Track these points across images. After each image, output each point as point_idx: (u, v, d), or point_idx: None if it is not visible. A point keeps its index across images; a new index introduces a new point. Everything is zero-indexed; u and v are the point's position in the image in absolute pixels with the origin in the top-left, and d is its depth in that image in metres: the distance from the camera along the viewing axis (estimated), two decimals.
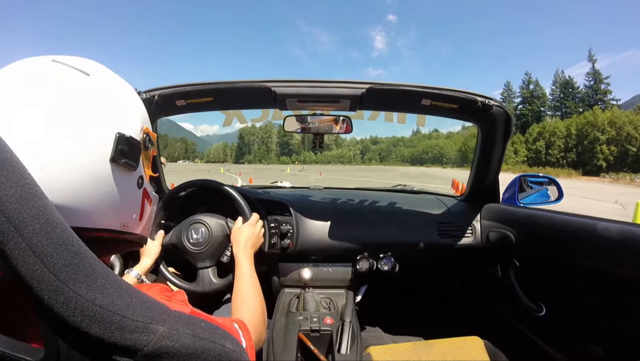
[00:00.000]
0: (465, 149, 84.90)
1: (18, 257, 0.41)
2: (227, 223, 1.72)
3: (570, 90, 69.25)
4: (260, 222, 1.69)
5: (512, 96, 77.05)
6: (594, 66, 63.18)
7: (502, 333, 1.85)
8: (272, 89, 1.64)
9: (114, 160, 0.63)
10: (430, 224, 2.07)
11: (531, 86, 74.28)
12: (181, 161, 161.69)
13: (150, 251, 1.62)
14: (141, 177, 0.74)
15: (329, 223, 2.03)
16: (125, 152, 0.65)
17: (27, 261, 0.42)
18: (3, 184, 0.42)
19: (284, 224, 1.93)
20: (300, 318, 1.66)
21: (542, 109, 72.79)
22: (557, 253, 1.58)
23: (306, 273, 1.93)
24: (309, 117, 1.87)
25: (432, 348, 1.67)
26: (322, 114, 1.87)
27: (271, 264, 2.06)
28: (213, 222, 1.70)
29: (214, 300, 1.77)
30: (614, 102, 61.64)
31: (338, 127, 1.87)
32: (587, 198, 18.37)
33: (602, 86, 62.89)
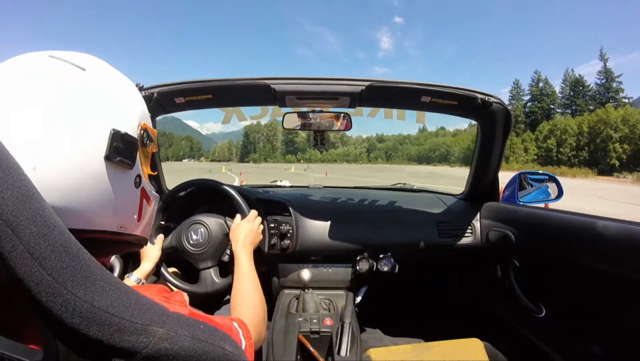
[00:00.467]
0: (474, 147, 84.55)
1: (16, 260, 0.41)
2: (225, 222, 1.71)
3: (581, 88, 68.58)
4: (259, 218, 1.67)
5: (521, 93, 76.65)
6: (605, 65, 62.69)
7: (502, 335, 1.84)
8: (272, 86, 1.63)
9: (108, 158, 0.61)
10: (430, 223, 2.06)
11: (540, 84, 73.69)
12: (186, 160, 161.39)
13: (151, 255, 1.61)
14: (139, 176, 0.71)
15: (328, 223, 2.02)
16: (121, 149, 0.63)
17: (25, 263, 0.42)
18: (0, 186, 0.41)
19: (284, 225, 1.92)
20: (300, 319, 1.65)
21: (551, 106, 72.31)
22: (556, 252, 1.57)
23: (306, 273, 1.91)
24: (309, 114, 1.86)
25: (431, 349, 1.67)
26: (321, 111, 1.86)
27: (271, 265, 2.05)
28: (212, 221, 1.69)
29: (215, 301, 1.76)
30: (626, 100, 61.04)
31: (339, 124, 1.86)
32: (626, 202, 16.57)
33: (614, 84, 62.13)
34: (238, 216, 1.65)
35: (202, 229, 1.67)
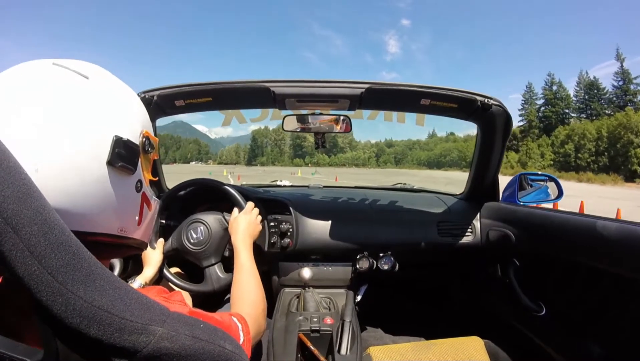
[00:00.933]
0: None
1: (16, 258, 0.41)
2: (224, 217, 1.72)
3: (596, 91, 65.96)
4: (256, 210, 1.67)
5: (534, 97, 74.62)
6: (622, 65, 59.99)
7: (502, 333, 1.84)
8: (271, 89, 1.64)
9: (110, 163, 0.62)
10: (430, 223, 2.06)
11: (554, 87, 71.51)
12: (194, 162, 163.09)
13: (153, 259, 1.62)
14: (140, 181, 0.73)
15: (328, 222, 2.03)
16: (123, 155, 0.65)
17: (25, 262, 0.42)
18: (0, 184, 0.41)
19: (284, 223, 1.93)
20: (301, 318, 1.66)
21: (566, 110, 70.03)
22: (556, 251, 1.57)
23: (306, 272, 1.92)
24: (309, 117, 1.87)
25: (432, 348, 1.66)
26: (321, 114, 1.86)
27: (271, 264, 2.06)
28: (211, 218, 1.71)
29: (217, 299, 1.78)
30: None
31: (338, 127, 1.87)
32: None
33: (632, 86, 59.20)
34: (235, 209, 1.65)
35: (201, 228, 1.68)
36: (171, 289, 1.55)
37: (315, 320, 1.63)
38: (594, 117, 63.00)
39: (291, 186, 3.19)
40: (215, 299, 1.76)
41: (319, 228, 2.02)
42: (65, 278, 0.44)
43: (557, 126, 66.63)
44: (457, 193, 2.43)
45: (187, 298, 1.73)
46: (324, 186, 2.82)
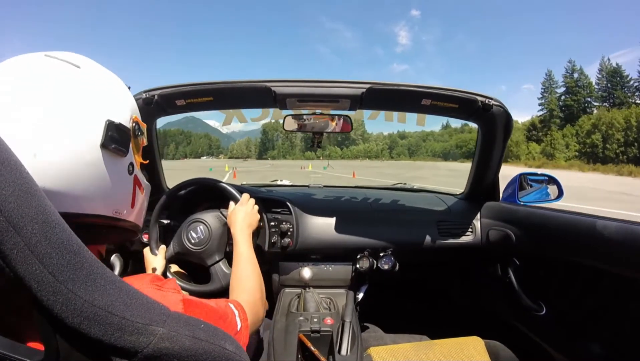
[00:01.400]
0: (509, 142, 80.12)
1: (17, 257, 0.41)
2: (221, 213, 1.73)
3: (618, 79, 63.32)
4: (252, 200, 1.68)
5: (553, 85, 72.00)
6: None
7: (502, 333, 1.83)
8: (272, 88, 1.64)
9: (104, 146, 0.65)
10: (430, 222, 2.06)
11: (575, 75, 68.66)
12: (205, 157, 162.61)
13: (156, 265, 1.62)
14: (131, 163, 0.76)
15: (329, 221, 2.04)
16: (115, 138, 0.68)
17: (26, 261, 0.42)
18: (2, 183, 0.41)
19: (284, 223, 1.93)
20: (301, 318, 1.66)
21: (587, 99, 67.16)
22: (557, 251, 1.58)
23: (306, 272, 1.93)
24: (310, 116, 1.87)
25: (432, 348, 1.66)
26: (322, 114, 1.86)
27: (271, 264, 2.07)
28: (209, 216, 1.72)
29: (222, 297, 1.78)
30: None
31: (339, 127, 1.87)
32: None
33: None
34: (231, 203, 1.66)
35: (201, 227, 1.69)
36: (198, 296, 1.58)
37: (315, 320, 1.63)
38: (618, 106, 60.75)
39: (291, 185, 3.20)
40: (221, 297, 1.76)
41: (320, 228, 2.02)
42: (66, 278, 0.44)
43: (579, 116, 64.19)
44: (457, 193, 2.43)
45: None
46: (324, 186, 2.84)
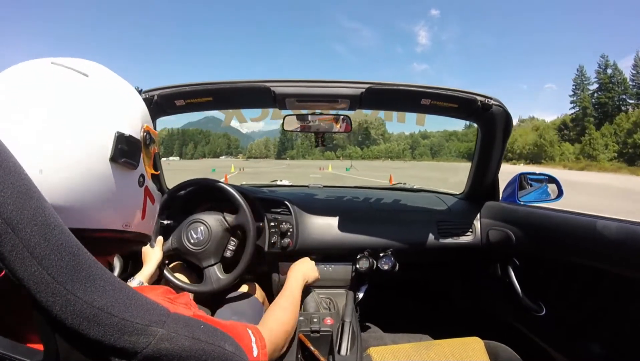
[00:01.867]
0: (541, 142, 72.37)
1: (15, 259, 0.41)
2: (224, 217, 1.72)
3: None
4: (312, 262, 1.79)
5: (585, 82, 68.51)
6: None
7: (502, 333, 1.83)
8: (272, 89, 1.65)
9: (113, 159, 0.63)
10: (430, 222, 2.07)
11: (609, 70, 64.82)
12: (223, 157, 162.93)
13: (152, 258, 1.62)
14: (142, 175, 0.73)
15: (328, 221, 2.04)
16: (125, 151, 0.65)
17: (25, 263, 0.42)
18: (0, 185, 0.41)
19: (284, 223, 1.94)
20: (301, 318, 1.65)
21: (622, 96, 63.45)
22: (557, 251, 1.58)
23: None
24: (309, 116, 1.88)
25: (432, 348, 1.66)
26: (321, 114, 1.87)
27: (271, 264, 2.07)
28: (211, 218, 1.71)
29: (217, 299, 1.78)
30: None
31: (338, 126, 1.88)
32: None
33: None
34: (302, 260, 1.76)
35: (201, 228, 1.68)
36: (178, 291, 1.59)
37: (315, 320, 1.63)
38: None
39: (291, 185, 3.20)
40: (215, 298, 1.77)
41: (319, 228, 2.03)
42: (65, 279, 0.44)
43: (614, 114, 60.90)
44: (457, 193, 2.43)
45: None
46: (324, 186, 2.84)
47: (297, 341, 1.50)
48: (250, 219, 1.69)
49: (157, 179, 2.12)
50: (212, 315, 1.63)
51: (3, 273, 0.49)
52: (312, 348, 1.48)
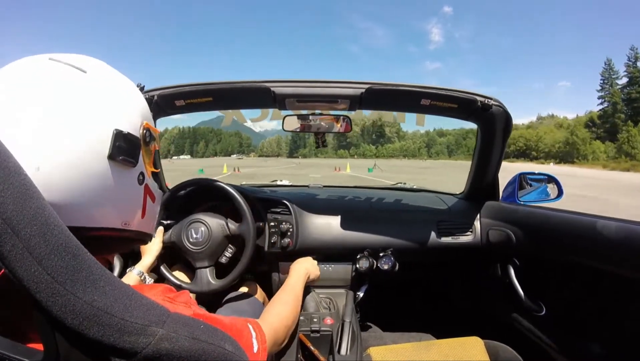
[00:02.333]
0: (573, 140, 67.90)
1: (15, 259, 0.41)
2: (227, 224, 1.73)
3: None
4: (315, 261, 1.82)
5: (614, 76, 66.28)
6: None
7: (502, 333, 1.83)
8: (272, 89, 1.65)
9: (112, 157, 0.62)
10: (430, 222, 2.07)
11: (639, 64, 62.06)
12: (235, 155, 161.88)
13: (152, 248, 1.64)
14: (142, 173, 0.73)
15: (328, 221, 2.05)
16: (124, 149, 0.64)
17: (25, 263, 0.42)
18: (0, 185, 0.41)
19: (284, 223, 1.94)
20: (301, 318, 1.65)
21: None
22: (557, 251, 1.58)
23: None
24: (309, 116, 1.88)
25: (432, 348, 1.66)
26: (321, 114, 1.87)
27: (271, 264, 2.08)
28: (213, 222, 1.71)
29: (216, 299, 1.80)
30: None
31: (338, 126, 1.88)
32: None
33: None
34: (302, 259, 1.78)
35: (202, 228, 1.69)
36: (178, 289, 1.60)
37: (315, 320, 1.63)
38: None
39: (291, 185, 3.21)
40: (215, 297, 1.79)
41: (319, 228, 2.03)
42: (65, 279, 0.44)
43: None
44: (457, 193, 2.43)
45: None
46: (324, 186, 2.85)
47: (297, 341, 1.50)
48: (252, 231, 1.69)
49: (157, 179, 2.13)
50: (212, 313, 1.64)
51: (2, 271, 0.48)
52: (312, 347, 1.49)
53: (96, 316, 0.46)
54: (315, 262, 1.77)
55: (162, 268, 1.70)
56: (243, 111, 2.02)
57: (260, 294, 1.95)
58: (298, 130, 1.90)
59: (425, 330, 2.19)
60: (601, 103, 68.66)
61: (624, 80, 64.90)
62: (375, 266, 1.93)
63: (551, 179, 1.99)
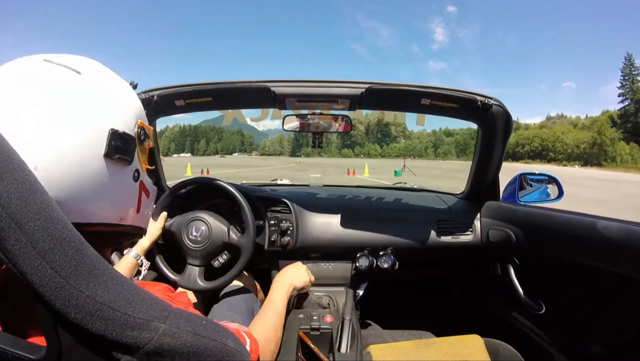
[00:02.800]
0: (602, 140, 65.46)
1: (19, 253, 0.42)
2: (229, 231, 1.71)
3: None
4: (305, 267, 1.70)
5: (634, 72, 64.98)
6: None
7: (502, 331, 1.84)
8: (272, 89, 1.65)
9: (108, 156, 0.63)
10: (430, 221, 2.07)
11: None
12: (236, 154, 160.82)
13: (151, 232, 1.63)
14: (137, 170, 0.75)
15: (328, 220, 2.05)
16: (119, 147, 0.66)
17: (28, 257, 0.42)
18: (4, 180, 0.42)
19: (284, 222, 1.95)
20: (301, 316, 1.66)
21: None
22: (557, 251, 1.58)
23: None
24: (309, 116, 1.88)
25: (432, 346, 1.67)
26: (321, 113, 1.88)
27: (271, 262, 2.09)
28: (216, 225, 1.70)
29: (211, 294, 1.80)
30: None
31: (337, 125, 1.88)
32: None
33: None
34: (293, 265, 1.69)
35: (203, 228, 1.68)
36: (176, 288, 1.58)
37: (315, 318, 1.63)
38: None
39: (291, 184, 3.22)
40: (210, 292, 1.78)
41: (319, 226, 2.03)
42: (68, 273, 0.45)
43: None
44: (458, 193, 2.43)
45: (193, 300, 1.77)
46: (324, 185, 2.86)
47: (297, 339, 1.50)
48: (250, 246, 1.68)
49: (157, 177, 2.14)
50: (207, 308, 1.66)
51: (4, 266, 0.49)
52: (312, 345, 1.49)
53: (99, 310, 0.46)
54: (305, 268, 1.68)
55: (157, 260, 1.72)
56: (243, 111, 2.03)
57: (257, 290, 1.96)
58: (297, 129, 1.91)
59: (425, 328, 2.21)
60: (622, 101, 66.80)
61: None
62: (375, 264, 1.93)
63: (552, 179, 1.99)
